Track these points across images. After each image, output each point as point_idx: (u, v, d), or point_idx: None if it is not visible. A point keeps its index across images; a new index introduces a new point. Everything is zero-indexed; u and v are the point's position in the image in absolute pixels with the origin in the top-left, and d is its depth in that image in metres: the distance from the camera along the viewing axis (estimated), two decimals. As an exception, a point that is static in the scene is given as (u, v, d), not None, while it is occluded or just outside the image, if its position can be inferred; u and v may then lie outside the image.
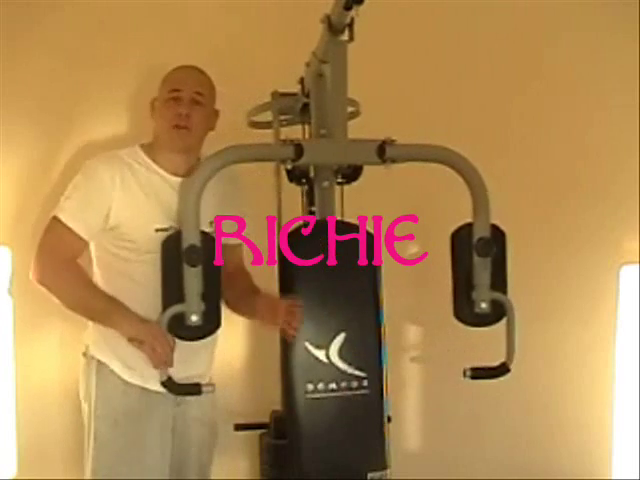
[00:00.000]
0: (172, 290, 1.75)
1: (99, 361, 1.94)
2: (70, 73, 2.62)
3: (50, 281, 1.88)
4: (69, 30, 2.63)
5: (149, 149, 1.97)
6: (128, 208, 1.88)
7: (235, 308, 2.01)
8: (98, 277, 1.96)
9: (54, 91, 2.61)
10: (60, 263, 1.87)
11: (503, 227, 1.88)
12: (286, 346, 1.89)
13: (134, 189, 1.90)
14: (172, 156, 1.95)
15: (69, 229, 1.87)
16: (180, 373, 1.86)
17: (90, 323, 1.98)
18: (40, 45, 2.60)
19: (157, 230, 1.87)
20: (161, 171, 1.95)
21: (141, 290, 1.87)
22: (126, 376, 1.91)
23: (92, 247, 1.96)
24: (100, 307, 1.87)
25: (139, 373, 1.90)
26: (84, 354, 2.00)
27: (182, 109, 1.91)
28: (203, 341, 1.84)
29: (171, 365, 1.80)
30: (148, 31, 2.67)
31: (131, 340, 1.83)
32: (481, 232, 1.83)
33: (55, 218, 1.89)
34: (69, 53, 2.62)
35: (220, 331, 1.88)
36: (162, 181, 1.94)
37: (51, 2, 2.60)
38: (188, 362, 1.92)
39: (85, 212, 1.88)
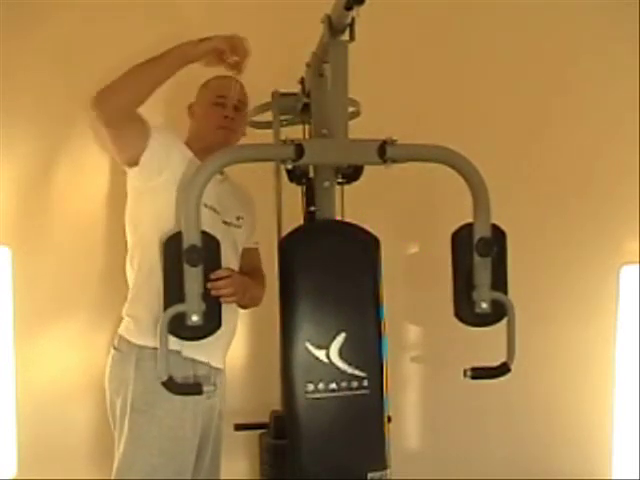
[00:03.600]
0: (173, 290, 1.75)
1: (141, 348, 1.94)
2: (70, 75, 2.63)
3: (111, 91, 1.86)
4: (69, 33, 2.63)
5: (190, 145, 2.05)
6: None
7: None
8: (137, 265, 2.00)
9: (54, 93, 2.62)
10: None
11: (503, 227, 1.88)
12: (286, 346, 1.89)
13: (181, 160, 1.97)
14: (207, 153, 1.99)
15: None
16: (220, 362, 2.04)
17: (130, 310, 2.00)
18: (40, 47, 2.61)
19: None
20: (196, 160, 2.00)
21: None
22: (173, 346, 1.86)
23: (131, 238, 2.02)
24: (165, 55, 1.86)
25: (189, 346, 1.89)
26: (116, 348, 2.01)
27: (228, 112, 2.08)
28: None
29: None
30: (148, 32, 2.66)
31: (214, 51, 1.81)
32: (482, 232, 1.83)
33: None
34: (69, 55, 2.63)
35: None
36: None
37: (50, 5, 2.60)
38: (221, 351, 2.04)
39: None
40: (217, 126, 2.07)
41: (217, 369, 2.06)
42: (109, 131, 1.88)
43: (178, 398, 1.88)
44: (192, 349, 1.91)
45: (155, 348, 1.89)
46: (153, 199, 1.95)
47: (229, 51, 1.82)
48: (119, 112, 1.85)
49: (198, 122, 2.12)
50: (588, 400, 3.02)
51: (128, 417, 1.94)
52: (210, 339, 1.80)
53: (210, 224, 1.85)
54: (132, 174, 1.96)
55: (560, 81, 2.98)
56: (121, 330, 2.02)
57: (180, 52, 1.85)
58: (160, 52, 1.85)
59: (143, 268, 1.99)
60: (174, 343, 1.88)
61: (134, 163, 1.93)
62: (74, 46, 2.63)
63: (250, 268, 2.16)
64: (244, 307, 2.12)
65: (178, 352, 1.93)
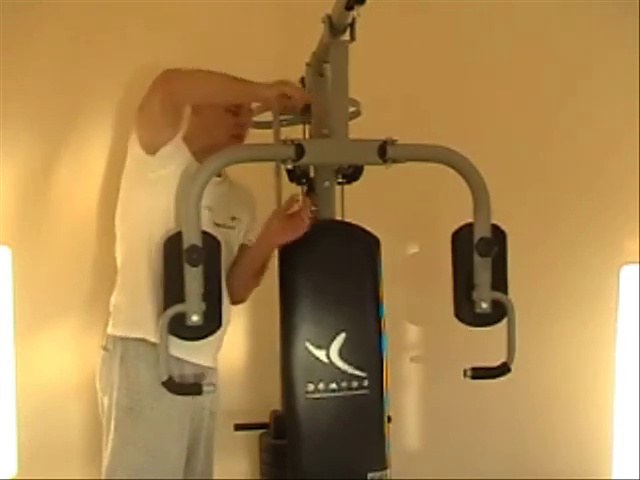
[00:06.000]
0: (173, 290, 1.75)
1: (125, 342, 1.94)
2: (70, 76, 2.63)
3: (188, 83, 1.90)
4: (69, 34, 2.64)
5: (188, 143, 2.03)
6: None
7: (247, 288, 2.13)
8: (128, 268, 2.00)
9: (54, 93, 2.62)
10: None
11: (504, 227, 1.88)
12: (286, 346, 1.89)
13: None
14: (203, 151, 1.99)
15: None
16: (209, 361, 2.02)
17: (118, 299, 2.00)
18: (40, 48, 2.61)
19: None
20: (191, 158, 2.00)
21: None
22: (155, 339, 1.89)
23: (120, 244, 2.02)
24: (241, 86, 1.89)
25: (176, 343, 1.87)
26: (104, 348, 2.01)
27: (244, 120, 2.09)
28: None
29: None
30: (148, 32, 2.67)
31: (276, 99, 1.87)
32: (482, 232, 1.82)
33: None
34: (69, 56, 2.63)
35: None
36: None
37: (50, 10, 2.60)
38: (211, 350, 2.01)
39: None
40: (232, 134, 2.05)
41: (207, 368, 2.04)
42: (162, 107, 1.87)
43: (164, 397, 1.88)
44: (177, 348, 1.87)
45: (137, 339, 1.93)
46: (150, 190, 1.94)
47: (295, 98, 1.86)
48: (182, 97, 1.91)
49: (206, 123, 2.07)
50: (588, 400, 3.02)
51: (114, 416, 1.94)
52: None
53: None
54: (145, 161, 1.93)
55: (562, 83, 2.98)
56: (108, 328, 2.03)
57: (253, 92, 1.90)
58: (238, 78, 1.88)
59: (129, 258, 2.00)
60: (155, 337, 1.89)
61: (153, 151, 1.92)
62: (74, 50, 2.63)
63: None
64: (235, 302, 2.11)
65: (174, 357, 1.92)
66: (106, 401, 1.98)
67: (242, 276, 2.11)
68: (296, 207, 1.94)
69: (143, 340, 1.93)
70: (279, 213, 1.99)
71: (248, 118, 2.11)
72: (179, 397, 1.90)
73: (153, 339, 1.90)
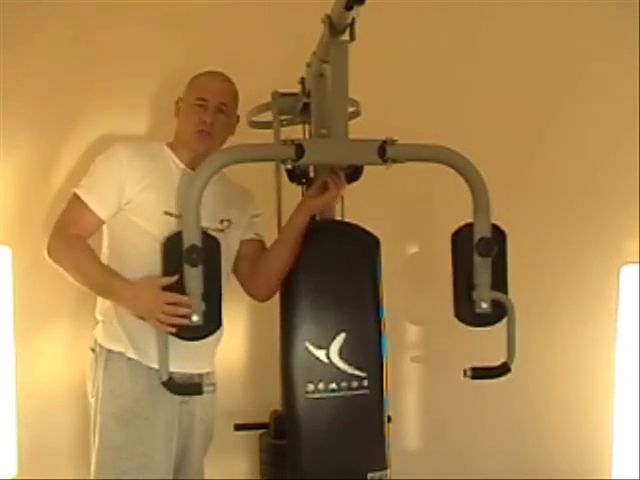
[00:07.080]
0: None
1: (109, 351, 1.94)
2: (70, 76, 2.63)
3: (57, 254, 1.92)
4: (69, 34, 2.63)
5: (172, 146, 2.03)
6: (141, 188, 1.91)
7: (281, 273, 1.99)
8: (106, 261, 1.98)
9: (54, 93, 2.62)
10: (69, 237, 1.91)
11: (504, 227, 1.88)
12: (286, 346, 1.90)
13: (150, 172, 1.94)
14: (193, 155, 2.00)
15: (84, 204, 1.92)
16: (194, 368, 1.95)
17: (99, 316, 2.00)
18: (40, 48, 2.61)
19: (165, 213, 1.90)
20: (182, 165, 2.00)
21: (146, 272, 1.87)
22: (132, 354, 1.91)
23: (104, 237, 2.00)
24: (101, 280, 1.88)
25: (150, 356, 1.88)
26: (92, 349, 2.00)
27: (207, 117, 1.98)
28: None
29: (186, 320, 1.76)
30: (148, 32, 2.67)
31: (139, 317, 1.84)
32: (482, 232, 1.83)
33: (74, 194, 1.95)
34: (69, 56, 2.63)
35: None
36: (181, 173, 1.98)
37: (50, 10, 2.60)
38: (191, 357, 1.94)
39: (100, 189, 1.93)
40: (195, 130, 1.98)
41: (195, 375, 1.98)
42: None
43: (146, 402, 1.89)
44: (152, 359, 1.87)
45: (120, 353, 1.92)
46: (125, 222, 1.95)
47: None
48: (54, 262, 1.93)
49: (180, 122, 2.04)
50: (588, 400, 3.02)
51: (99, 420, 1.92)
52: (179, 348, 1.79)
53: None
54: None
55: (562, 82, 2.98)
56: (95, 331, 2.02)
57: (108, 291, 1.89)
58: (98, 268, 1.89)
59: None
60: (132, 352, 1.91)
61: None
62: (74, 50, 2.63)
63: (254, 256, 2.07)
64: (267, 296, 2.06)
65: (139, 362, 1.91)
66: (93, 404, 1.97)
67: (280, 255, 1.98)
68: (330, 181, 1.95)
69: (123, 354, 1.92)
70: (317, 184, 2.01)
71: (218, 116, 1.99)
72: (165, 403, 1.90)
73: (130, 354, 1.91)
